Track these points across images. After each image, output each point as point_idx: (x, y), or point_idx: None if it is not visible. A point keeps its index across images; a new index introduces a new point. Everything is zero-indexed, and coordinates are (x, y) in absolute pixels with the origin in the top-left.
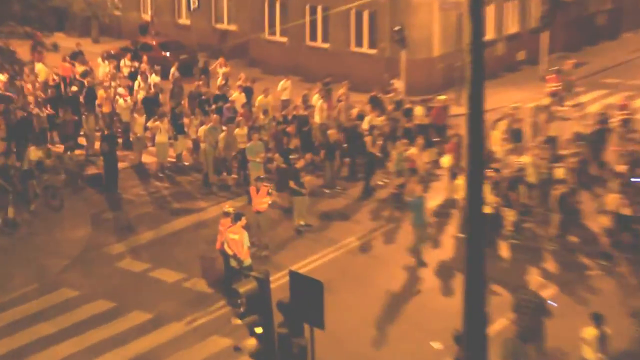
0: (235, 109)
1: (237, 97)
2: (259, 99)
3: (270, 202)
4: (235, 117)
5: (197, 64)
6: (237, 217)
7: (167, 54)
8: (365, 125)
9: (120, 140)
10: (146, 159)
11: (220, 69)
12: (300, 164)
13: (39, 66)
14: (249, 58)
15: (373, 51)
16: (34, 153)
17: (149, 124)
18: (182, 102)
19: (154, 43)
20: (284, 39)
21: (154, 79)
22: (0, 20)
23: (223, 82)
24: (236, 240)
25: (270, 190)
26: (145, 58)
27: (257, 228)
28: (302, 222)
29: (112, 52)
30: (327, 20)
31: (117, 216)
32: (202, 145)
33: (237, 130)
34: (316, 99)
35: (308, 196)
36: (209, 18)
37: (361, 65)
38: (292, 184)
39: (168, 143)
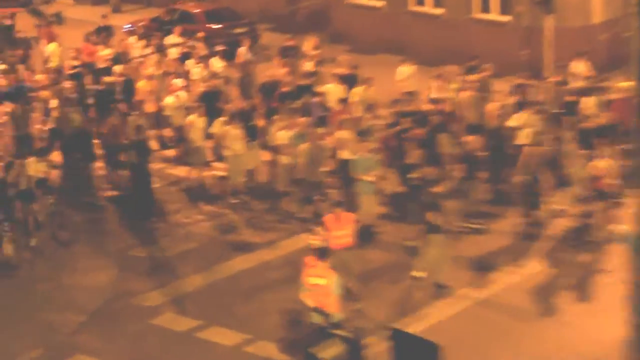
0: (325, 106)
1: (330, 89)
2: (355, 91)
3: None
4: (326, 117)
5: (256, 41)
6: (322, 253)
7: (217, 26)
8: (513, 123)
9: (172, 152)
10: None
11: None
12: (440, 188)
13: (50, 47)
14: (330, 30)
15: (505, 18)
16: (34, 167)
17: (214, 128)
18: (255, 97)
19: (198, 11)
20: (380, 3)
21: (215, 63)
22: None
23: (314, 68)
24: (321, 286)
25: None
26: (199, 35)
27: (342, 270)
28: (422, 275)
29: (142, 24)
30: None
31: (152, 253)
32: (283, 159)
33: (336, 135)
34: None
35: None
36: None
37: (488, 38)
38: (429, 216)
39: (243, 154)
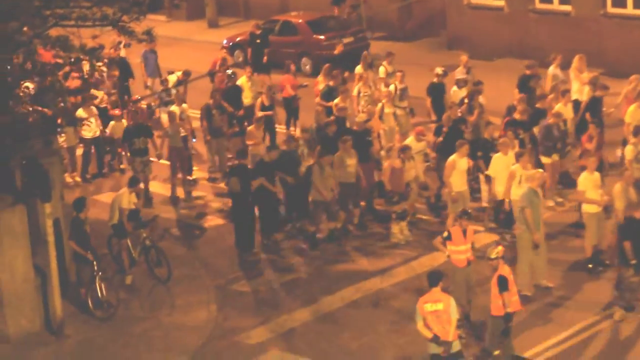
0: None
1: (562, 110)
2: (630, 110)
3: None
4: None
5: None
6: (436, 278)
7: (322, 37)
8: None
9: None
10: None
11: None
12: None
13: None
14: (446, 35)
15: None
16: (126, 198)
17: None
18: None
19: (301, 22)
20: (501, 2)
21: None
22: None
23: (552, 83)
24: (439, 311)
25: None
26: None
27: (463, 288)
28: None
29: (240, 38)
30: None
31: (255, 287)
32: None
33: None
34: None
35: None
36: None
37: (623, 35)
38: None
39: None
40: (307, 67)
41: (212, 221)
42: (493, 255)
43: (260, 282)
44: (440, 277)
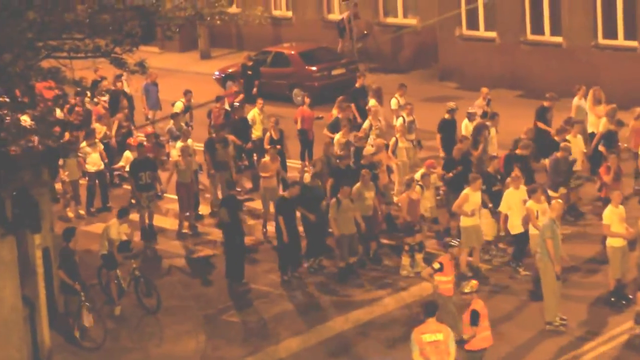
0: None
1: (572, 141)
2: None
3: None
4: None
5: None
6: (431, 308)
7: (314, 68)
8: None
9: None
10: None
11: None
12: None
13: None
14: (439, 67)
15: (633, 44)
16: (115, 229)
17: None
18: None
19: (293, 53)
20: (493, 34)
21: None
22: (58, 31)
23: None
24: (438, 342)
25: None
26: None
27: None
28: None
29: (232, 70)
30: (556, 3)
31: (244, 317)
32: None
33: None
34: None
35: None
36: (374, 9)
37: (614, 66)
38: None
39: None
40: (299, 98)
41: (202, 252)
42: (467, 290)
43: (250, 312)
44: (436, 308)
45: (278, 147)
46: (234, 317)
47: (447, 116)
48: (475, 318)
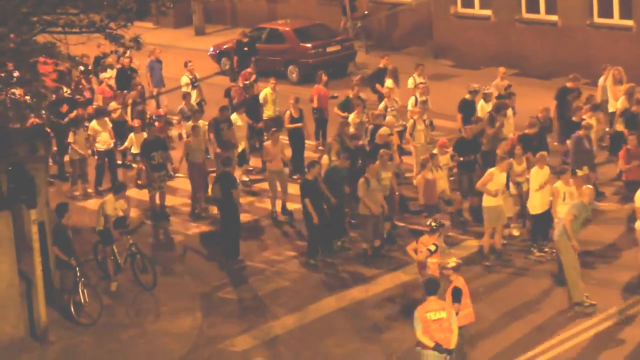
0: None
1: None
2: None
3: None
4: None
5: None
6: (432, 287)
7: (309, 45)
8: None
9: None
10: None
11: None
12: None
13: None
14: (432, 45)
15: (629, 22)
16: (111, 205)
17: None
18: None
19: (287, 29)
20: (488, 12)
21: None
22: (53, 6)
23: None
24: (442, 319)
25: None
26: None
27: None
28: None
29: (227, 46)
30: None
31: (240, 294)
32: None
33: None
34: None
35: None
36: None
37: (610, 46)
38: None
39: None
40: (294, 75)
41: (198, 228)
42: (450, 265)
43: (246, 289)
44: (438, 286)
45: (298, 125)
46: (229, 294)
47: (467, 96)
48: (457, 295)
